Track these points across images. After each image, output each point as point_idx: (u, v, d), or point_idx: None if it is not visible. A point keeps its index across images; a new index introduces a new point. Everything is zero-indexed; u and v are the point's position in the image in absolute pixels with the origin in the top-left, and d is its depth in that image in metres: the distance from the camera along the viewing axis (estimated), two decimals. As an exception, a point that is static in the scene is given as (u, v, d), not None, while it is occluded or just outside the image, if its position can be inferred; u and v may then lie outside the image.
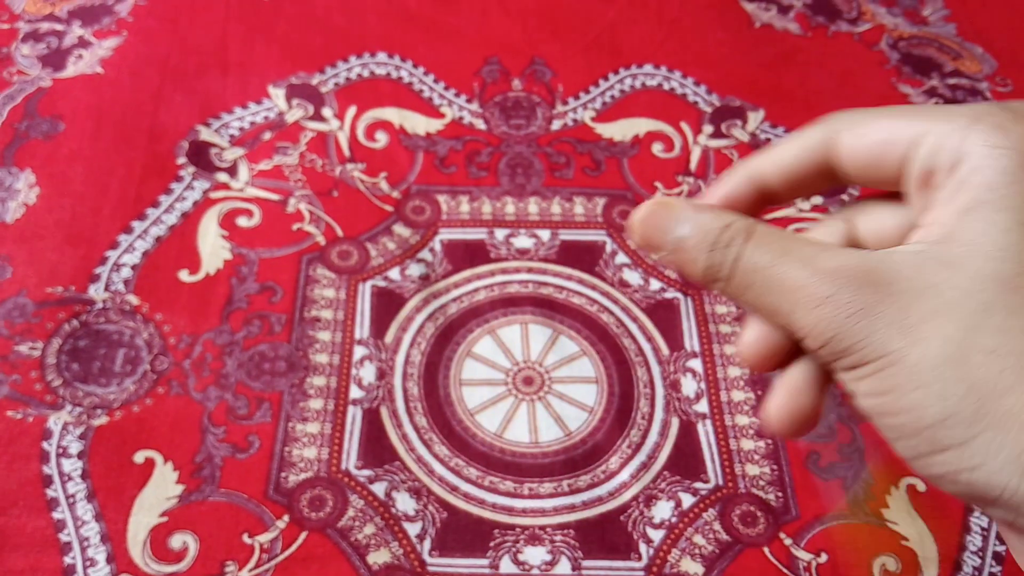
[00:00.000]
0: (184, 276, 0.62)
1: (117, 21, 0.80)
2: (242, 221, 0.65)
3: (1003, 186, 0.22)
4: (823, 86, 0.81)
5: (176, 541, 0.50)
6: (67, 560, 0.49)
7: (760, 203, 0.28)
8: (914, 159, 0.24)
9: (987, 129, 0.22)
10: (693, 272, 0.26)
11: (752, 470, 0.55)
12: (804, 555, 0.52)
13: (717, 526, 0.53)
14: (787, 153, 0.27)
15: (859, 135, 0.25)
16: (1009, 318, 0.21)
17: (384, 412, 0.56)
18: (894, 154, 0.24)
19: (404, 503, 0.53)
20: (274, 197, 0.67)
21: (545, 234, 0.67)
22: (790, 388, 0.26)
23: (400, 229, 0.66)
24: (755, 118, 0.77)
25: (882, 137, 0.25)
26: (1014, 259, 0.21)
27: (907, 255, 0.23)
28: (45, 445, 0.53)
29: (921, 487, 0.55)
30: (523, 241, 0.66)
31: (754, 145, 0.75)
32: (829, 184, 0.27)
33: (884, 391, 0.22)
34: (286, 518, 0.52)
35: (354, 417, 0.56)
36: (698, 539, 0.53)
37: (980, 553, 0.53)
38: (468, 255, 0.65)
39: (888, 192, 0.26)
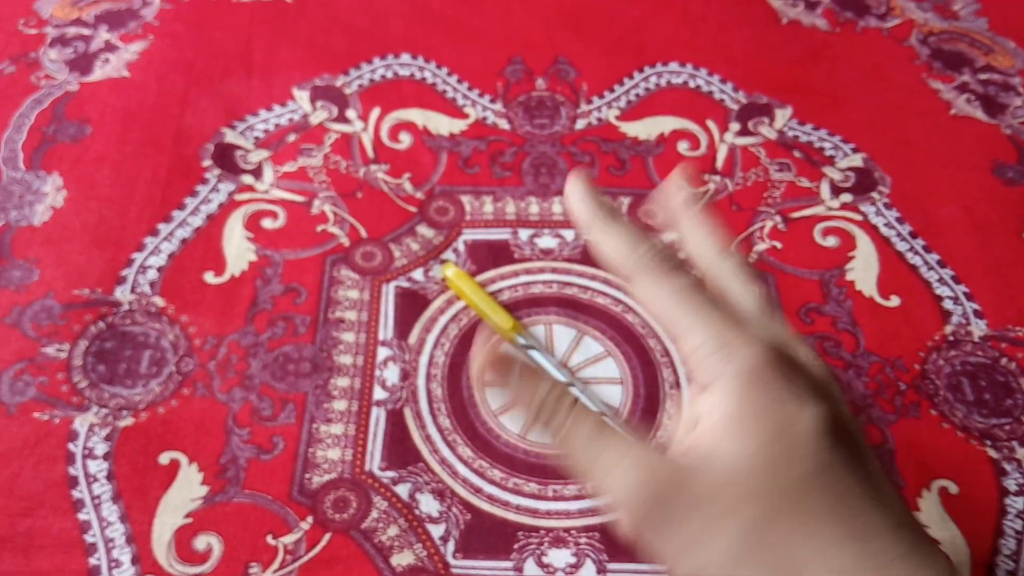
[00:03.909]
0: (209, 278, 0.62)
1: (143, 25, 0.81)
2: (267, 223, 0.65)
3: (740, 411, 0.26)
4: (852, 82, 0.80)
5: (201, 542, 0.50)
6: (92, 561, 0.49)
7: None
8: (689, 364, 0.29)
9: (731, 356, 0.27)
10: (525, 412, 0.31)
11: (780, 472, 0.54)
12: (834, 559, 0.51)
13: (744, 529, 0.52)
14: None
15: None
16: (763, 535, 0.25)
17: (408, 413, 0.56)
18: (684, 348, 0.29)
19: (428, 505, 0.52)
20: (298, 199, 0.67)
21: (569, 234, 0.66)
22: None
23: (424, 230, 0.66)
24: (783, 115, 0.76)
25: (678, 333, 0.29)
26: (759, 479, 0.25)
27: (685, 472, 0.27)
28: (71, 446, 0.53)
29: (953, 489, 0.54)
30: (547, 241, 0.66)
31: (782, 142, 0.74)
32: None
33: None
34: (310, 519, 0.51)
35: (378, 418, 0.56)
36: (725, 542, 0.52)
37: (1014, 557, 0.52)
38: (492, 255, 0.65)
39: None
